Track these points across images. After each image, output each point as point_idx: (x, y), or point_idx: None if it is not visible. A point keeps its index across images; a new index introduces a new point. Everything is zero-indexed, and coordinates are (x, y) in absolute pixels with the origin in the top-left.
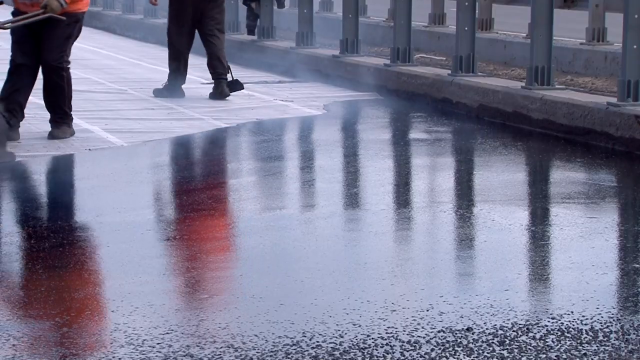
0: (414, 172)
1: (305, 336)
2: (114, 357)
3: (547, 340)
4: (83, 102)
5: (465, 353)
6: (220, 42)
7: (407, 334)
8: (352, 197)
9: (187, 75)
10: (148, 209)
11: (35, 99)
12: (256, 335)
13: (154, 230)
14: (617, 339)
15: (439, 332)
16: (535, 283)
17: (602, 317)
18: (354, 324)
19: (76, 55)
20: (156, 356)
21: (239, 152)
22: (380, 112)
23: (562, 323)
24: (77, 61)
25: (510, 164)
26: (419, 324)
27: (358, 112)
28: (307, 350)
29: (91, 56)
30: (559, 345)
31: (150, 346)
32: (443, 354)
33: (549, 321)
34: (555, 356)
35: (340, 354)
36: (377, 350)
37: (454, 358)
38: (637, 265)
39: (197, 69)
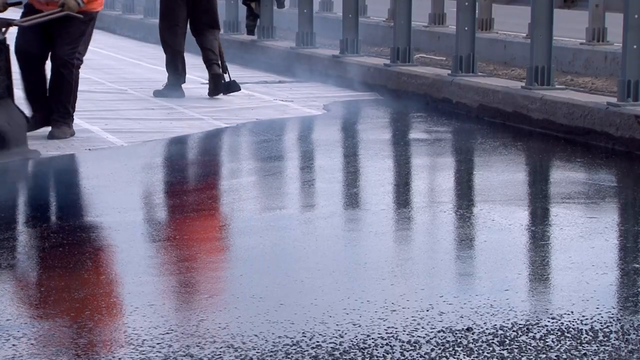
0: (414, 172)
1: (305, 336)
2: (113, 357)
3: (547, 340)
4: (83, 102)
5: (465, 353)
6: (212, 35)
7: (407, 334)
8: (352, 197)
9: (187, 75)
10: (148, 209)
11: None
12: (256, 335)
13: (154, 230)
14: (617, 339)
15: (439, 332)
16: (535, 283)
17: (602, 317)
18: (354, 324)
19: None
20: (156, 356)
21: (239, 152)
22: (380, 112)
23: (562, 323)
24: None
25: (510, 164)
26: (419, 324)
27: (358, 112)
28: (307, 350)
29: (91, 56)
30: (559, 345)
31: (150, 346)
32: (443, 354)
33: (549, 321)
34: (555, 356)
35: (340, 354)
36: (377, 350)
37: (454, 358)
38: (637, 265)
39: (197, 69)
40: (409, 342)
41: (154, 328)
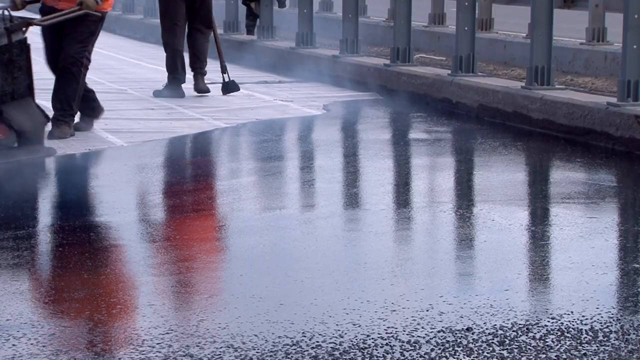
0: (414, 172)
1: (305, 336)
2: (113, 357)
3: (547, 340)
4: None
5: (465, 353)
6: (204, 37)
7: (407, 334)
8: (352, 197)
9: (187, 75)
10: (148, 209)
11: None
12: (256, 335)
13: (154, 230)
14: (617, 339)
15: (439, 332)
16: (535, 283)
17: (602, 317)
18: (354, 324)
19: None
20: (156, 356)
21: (238, 152)
22: (380, 112)
23: (562, 323)
24: None
25: (510, 164)
26: (418, 324)
27: (358, 112)
28: (307, 350)
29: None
30: (559, 345)
31: (150, 346)
32: (443, 354)
33: (549, 321)
34: (555, 356)
35: (340, 354)
36: (377, 350)
37: (454, 358)
38: (637, 265)
39: None
40: (409, 342)
41: (153, 328)
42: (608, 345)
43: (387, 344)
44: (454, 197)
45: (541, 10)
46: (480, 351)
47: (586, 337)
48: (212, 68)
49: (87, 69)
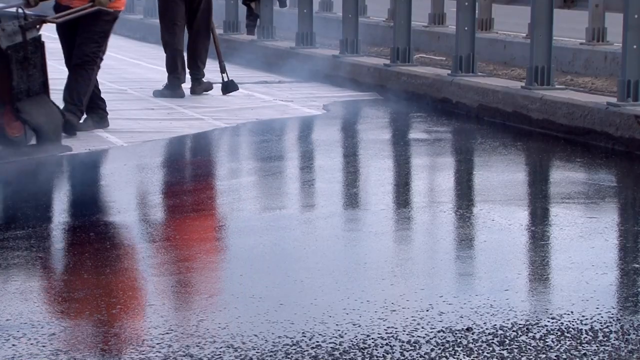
0: (414, 172)
1: (305, 336)
2: (113, 357)
3: (547, 340)
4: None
5: (465, 353)
6: (204, 40)
7: (407, 334)
8: (352, 197)
9: (187, 75)
10: (147, 209)
11: None
12: (256, 335)
13: (154, 230)
14: (617, 339)
15: (438, 332)
16: (535, 283)
17: (602, 317)
18: (354, 324)
19: None
20: (156, 356)
21: (238, 152)
22: (380, 112)
23: (562, 323)
24: None
25: (510, 164)
26: (418, 324)
27: (358, 112)
28: (307, 350)
29: None
30: (559, 345)
31: (149, 346)
32: (443, 354)
33: (549, 321)
34: (555, 356)
35: (340, 354)
36: (377, 350)
37: (454, 358)
38: (637, 265)
39: None
40: (408, 342)
41: (153, 328)
42: (608, 345)
43: (387, 344)
44: (454, 197)
45: (541, 10)
46: (480, 351)
47: (586, 337)
48: (212, 68)
49: (100, 67)
